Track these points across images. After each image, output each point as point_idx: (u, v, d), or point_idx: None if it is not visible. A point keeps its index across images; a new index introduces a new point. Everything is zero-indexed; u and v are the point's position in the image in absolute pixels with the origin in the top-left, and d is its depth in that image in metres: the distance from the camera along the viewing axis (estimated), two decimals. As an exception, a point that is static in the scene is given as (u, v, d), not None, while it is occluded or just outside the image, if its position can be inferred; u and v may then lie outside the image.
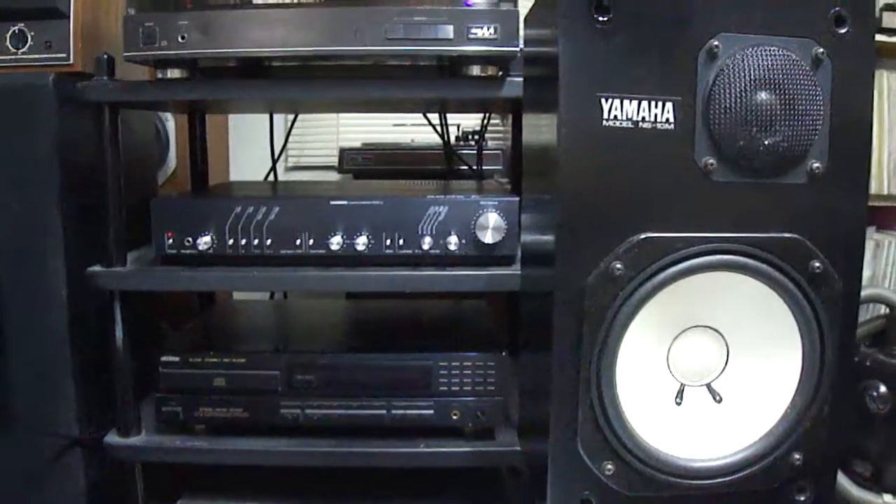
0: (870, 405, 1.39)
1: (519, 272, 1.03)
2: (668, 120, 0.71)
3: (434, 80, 1.05)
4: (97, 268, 1.07)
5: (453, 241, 1.03)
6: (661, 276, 0.71)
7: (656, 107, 0.70)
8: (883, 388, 1.39)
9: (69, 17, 1.10)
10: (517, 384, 1.08)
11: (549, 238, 0.74)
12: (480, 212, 1.04)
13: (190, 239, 1.04)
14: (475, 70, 1.03)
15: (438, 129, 1.50)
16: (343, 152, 1.60)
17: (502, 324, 1.32)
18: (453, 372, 1.07)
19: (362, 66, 1.12)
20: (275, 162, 1.48)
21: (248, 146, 1.71)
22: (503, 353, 1.08)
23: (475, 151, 1.54)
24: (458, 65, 1.03)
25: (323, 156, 1.84)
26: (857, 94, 0.73)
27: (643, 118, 0.70)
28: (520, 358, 1.04)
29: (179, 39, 0.99)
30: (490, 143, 1.64)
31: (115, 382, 1.09)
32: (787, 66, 0.71)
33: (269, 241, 1.05)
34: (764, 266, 0.72)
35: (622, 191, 0.72)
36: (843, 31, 0.72)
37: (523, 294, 1.00)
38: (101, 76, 1.04)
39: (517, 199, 1.04)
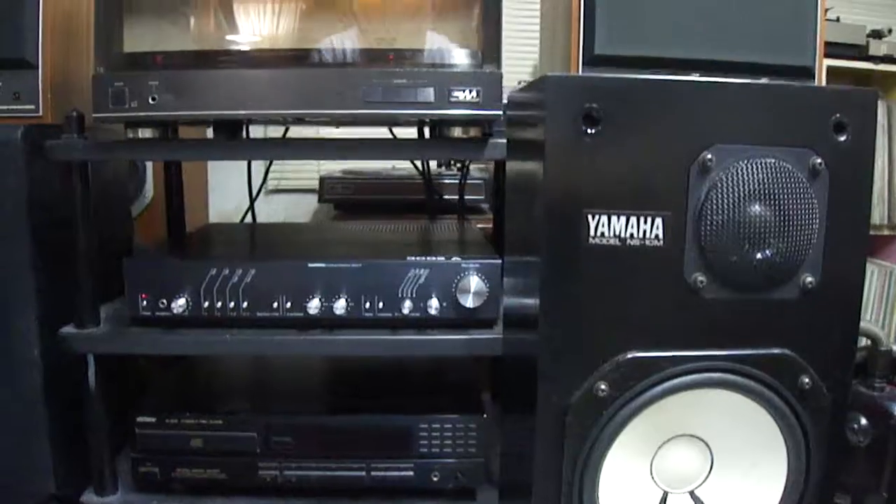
0: (850, 437, 1.39)
1: (500, 336, 1.01)
2: (657, 236, 0.68)
3: (414, 143, 1.01)
4: (70, 329, 1.04)
5: (434, 305, 1.01)
6: (647, 395, 0.69)
7: (645, 223, 0.68)
8: (864, 421, 1.39)
9: (38, 67, 1.06)
10: (500, 438, 1.07)
11: (533, 302, 0.72)
12: (462, 275, 1.02)
13: (164, 301, 1.02)
14: (457, 132, 1.00)
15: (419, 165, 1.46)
16: (323, 181, 1.56)
17: (485, 373, 1.30)
18: (434, 433, 1.06)
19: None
20: (252, 201, 1.44)
21: (228, 170, 1.67)
22: (484, 416, 1.06)
23: (457, 181, 1.51)
24: (440, 125, 1.00)
25: (304, 179, 1.80)
26: (854, 205, 0.70)
27: (631, 235, 0.68)
28: (502, 419, 1.02)
29: (150, 101, 0.96)
30: (473, 171, 1.60)
31: (90, 441, 1.07)
32: (783, 179, 0.68)
33: (245, 304, 1.02)
34: (752, 383, 0.71)
35: (607, 308, 0.69)
36: (842, 138, 0.69)
37: (506, 357, 0.98)
38: (71, 133, 1.00)
39: (499, 261, 1.02)
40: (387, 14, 0.97)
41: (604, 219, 0.67)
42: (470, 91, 0.95)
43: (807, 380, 0.71)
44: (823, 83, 1.13)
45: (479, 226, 1.54)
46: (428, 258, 1.02)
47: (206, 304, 1.02)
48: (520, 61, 1.96)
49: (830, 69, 1.65)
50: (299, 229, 1.45)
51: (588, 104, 0.65)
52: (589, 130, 0.66)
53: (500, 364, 1.03)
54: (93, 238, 1.03)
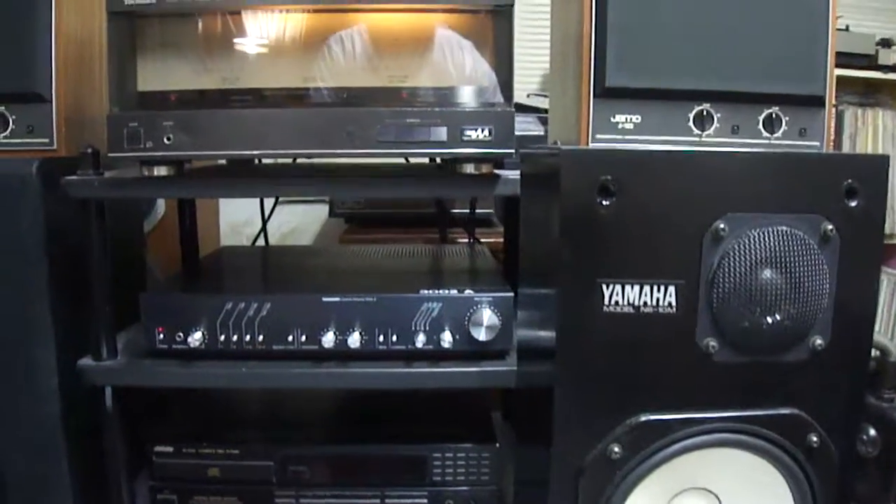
0: (860, 449, 1.41)
1: (512, 368, 1.03)
2: (670, 304, 0.69)
3: (426, 180, 1.02)
4: (88, 361, 1.06)
5: (447, 338, 1.02)
6: (659, 455, 0.71)
7: (658, 291, 0.69)
8: (873, 432, 1.40)
9: (52, 101, 1.06)
10: (513, 463, 1.08)
11: (548, 342, 0.73)
12: (474, 308, 1.03)
13: (181, 334, 1.03)
14: (469, 168, 1.00)
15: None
16: (334, 196, 1.57)
17: (496, 391, 1.32)
18: (447, 462, 1.08)
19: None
20: (265, 223, 1.45)
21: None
22: (497, 445, 1.08)
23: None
24: (452, 161, 1.01)
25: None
26: (863, 268, 0.72)
27: (645, 303, 0.69)
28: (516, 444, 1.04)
29: (165, 140, 0.96)
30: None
31: (108, 468, 1.09)
32: (795, 246, 0.69)
33: (260, 337, 1.04)
34: (761, 442, 0.72)
35: (621, 373, 0.71)
36: (853, 203, 0.70)
37: (520, 388, 1.00)
38: (87, 170, 1.02)
39: (511, 294, 1.03)
40: (399, 53, 0.98)
41: (618, 288, 0.68)
42: (482, 130, 0.96)
43: (815, 438, 0.73)
44: (833, 103, 1.12)
45: (489, 240, 1.56)
46: (441, 292, 1.03)
47: (222, 337, 1.03)
48: (528, 73, 1.95)
49: (840, 78, 1.65)
50: (311, 254, 1.46)
51: (603, 176, 0.66)
52: (604, 202, 0.67)
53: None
54: (109, 272, 1.04)
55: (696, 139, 1.04)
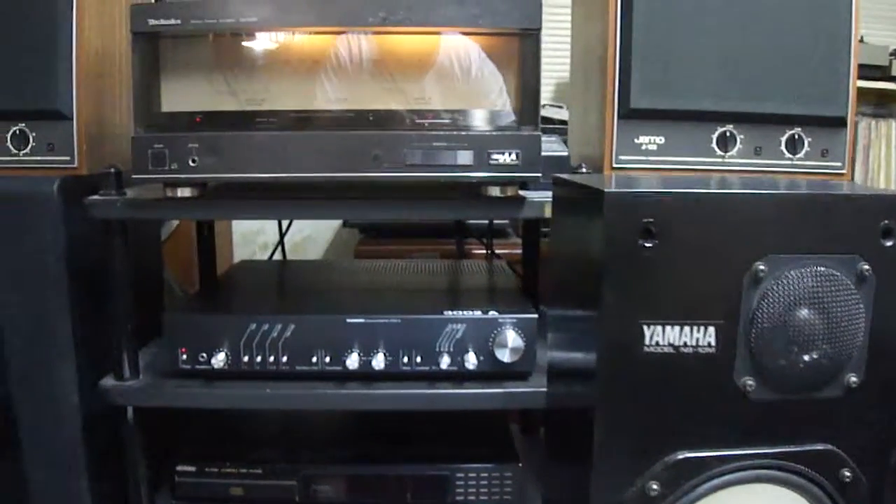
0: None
1: (536, 389, 1.03)
2: (709, 343, 0.70)
3: (452, 202, 1.02)
4: (110, 381, 1.06)
5: (471, 360, 1.03)
6: (696, 492, 0.71)
7: (698, 331, 0.69)
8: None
9: (73, 118, 1.06)
10: (534, 486, 1.09)
11: (583, 359, 0.73)
12: (499, 330, 1.03)
13: (204, 355, 1.03)
14: (495, 191, 1.00)
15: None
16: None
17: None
18: (470, 482, 1.09)
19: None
20: (282, 237, 1.45)
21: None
22: (519, 465, 1.09)
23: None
24: (477, 184, 1.01)
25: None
26: (897, 305, 0.72)
27: (685, 343, 0.69)
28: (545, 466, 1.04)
29: (190, 163, 0.96)
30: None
31: (129, 485, 1.09)
32: (831, 286, 0.70)
33: (284, 358, 1.04)
34: (795, 478, 0.73)
35: (659, 411, 0.71)
36: (889, 243, 0.70)
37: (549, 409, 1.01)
38: (110, 190, 1.01)
39: (535, 316, 1.04)
40: (425, 75, 0.97)
41: (658, 329, 0.69)
42: (509, 154, 0.96)
43: (847, 472, 0.73)
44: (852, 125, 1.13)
45: (505, 251, 1.56)
46: (465, 313, 1.04)
47: (246, 358, 1.03)
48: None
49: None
50: (331, 270, 1.45)
51: (645, 219, 0.66)
52: (646, 244, 0.67)
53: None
54: (131, 292, 1.04)
55: (719, 160, 1.04)
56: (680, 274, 0.69)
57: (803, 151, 1.08)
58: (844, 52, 1.08)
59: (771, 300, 0.70)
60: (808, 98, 1.07)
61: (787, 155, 1.08)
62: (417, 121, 0.97)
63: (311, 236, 1.97)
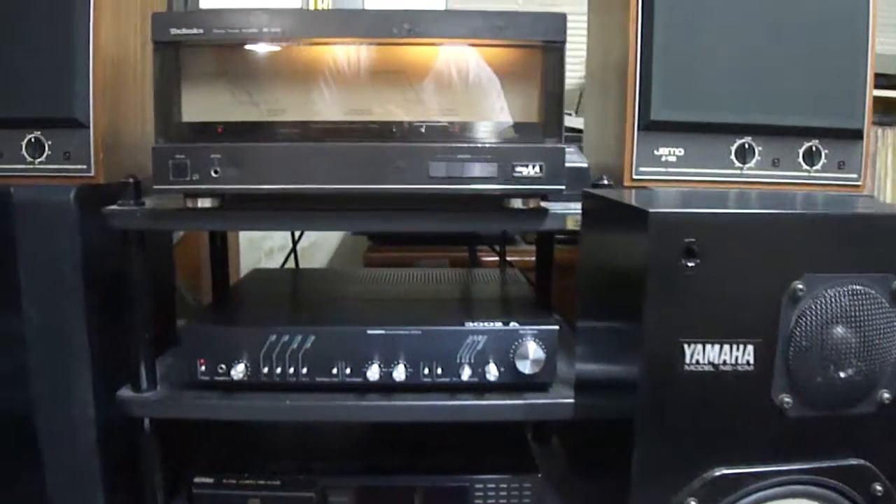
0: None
1: (557, 400, 1.03)
2: (748, 362, 0.70)
3: (474, 214, 1.01)
4: (127, 392, 1.05)
5: (492, 371, 1.02)
6: (733, 508, 0.72)
7: (737, 350, 0.70)
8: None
9: (89, 127, 1.05)
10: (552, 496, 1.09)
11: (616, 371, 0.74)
12: (520, 341, 1.03)
13: (223, 366, 1.02)
14: (517, 203, 1.00)
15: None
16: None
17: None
18: (489, 493, 1.08)
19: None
20: (295, 245, 1.44)
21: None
22: (539, 475, 1.09)
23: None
24: (499, 197, 1.01)
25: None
26: (931, 322, 0.72)
27: (724, 361, 0.70)
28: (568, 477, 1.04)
29: (212, 174, 0.95)
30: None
31: (145, 495, 1.09)
32: (867, 304, 0.70)
33: (304, 370, 1.03)
34: (829, 493, 0.74)
35: (698, 429, 0.71)
36: (922, 262, 0.71)
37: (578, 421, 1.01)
38: (128, 200, 1.00)
39: (556, 328, 1.03)
40: (448, 87, 0.97)
41: (699, 347, 0.69)
42: (533, 166, 0.96)
43: (879, 487, 0.74)
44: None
45: (514, 258, 1.56)
46: (486, 325, 1.04)
47: (265, 369, 1.03)
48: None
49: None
50: (345, 280, 1.44)
51: (688, 239, 0.66)
52: (688, 264, 0.67)
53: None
54: (149, 302, 1.03)
55: (738, 172, 1.05)
56: (720, 293, 0.69)
57: (820, 163, 1.09)
58: (862, 65, 1.09)
59: (809, 319, 0.70)
60: (826, 111, 1.08)
61: (805, 167, 1.09)
62: (440, 133, 0.97)
63: (317, 242, 1.96)
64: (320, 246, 1.96)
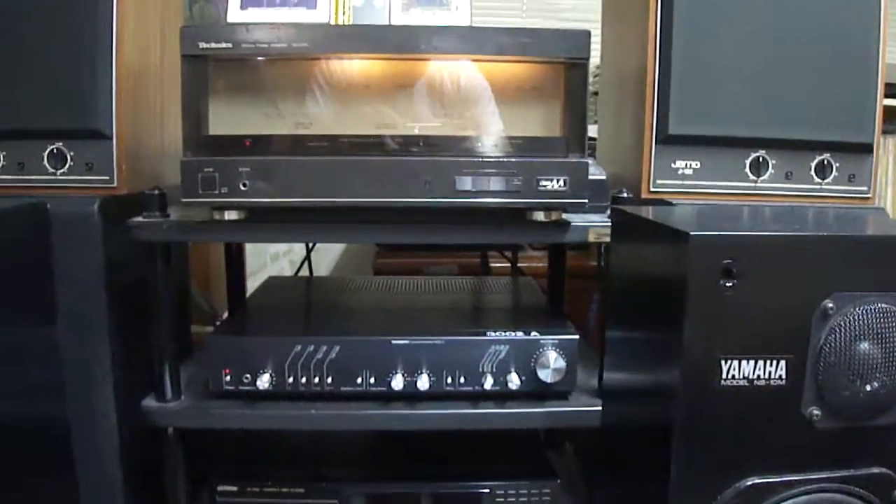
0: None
1: (577, 408, 1.06)
2: (780, 377, 0.73)
3: (496, 227, 1.03)
4: (152, 402, 1.06)
5: (513, 380, 1.04)
6: (764, 516, 0.74)
7: (771, 365, 0.72)
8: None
9: (112, 138, 1.05)
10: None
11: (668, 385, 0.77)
12: (541, 350, 1.05)
13: (248, 376, 1.04)
14: (539, 216, 1.02)
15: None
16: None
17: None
18: (509, 499, 1.11)
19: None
20: (309, 253, 1.45)
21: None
22: (557, 480, 1.11)
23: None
24: (523, 209, 1.02)
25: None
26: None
27: (758, 376, 0.73)
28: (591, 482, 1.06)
29: (241, 187, 0.96)
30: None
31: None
32: (892, 321, 0.73)
33: (329, 379, 1.05)
34: (853, 500, 0.77)
35: (731, 440, 0.74)
36: (944, 281, 0.74)
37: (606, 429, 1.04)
38: (153, 212, 1.01)
39: (576, 337, 1.06)
40: (474, 101, 0.99)
41: (735, 363, 0.72)
42: (557, 180, 0.98)
43: (898, 494, 0.77)
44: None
45: (523, 264, 1.58)
46: (507, 334, 1.06)
47: (290, 379, 1.04)
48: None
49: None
50: (361, 288, 1.45)
51: (726, 260, 0.69)
52: (727, 284, 0.69)
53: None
54: (173, 315, 1.04)
55: (752, 185, 1.08)
56: (755, 311, 0.72)
57: (832, 176, 1.12)
58: (872, 80, 1.12)
59: (837, 335, 0.73)
60: (837, 125, 1.11)
61: (817, 180, 1.12)
62: (465, 147, 0.99)
63: (322, 246, 1.97)
64: (328, 250, 1.97)
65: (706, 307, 0.71)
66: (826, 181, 1.12)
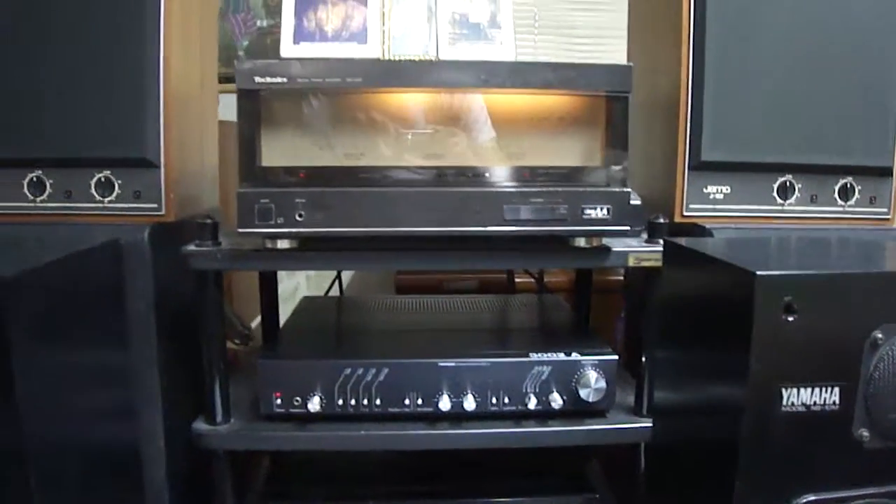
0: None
1: (616, 426, 1.10)
2: (834, 402, 0.78)
3: (539, 253, 1.07)
4: (203, 425, 1.08)
5: (556, 400, 1.08)
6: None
7: (826, 392, 0.77)
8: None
9: (160, 167, 1.07)
10: None
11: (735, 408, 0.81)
12: (581, 371, 1.09)
13: (299, 399, 1.06)
14: (581, 242, 1.06)
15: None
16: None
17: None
18: (548, 515, 1.14)
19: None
20: (339, 275, 1.47)
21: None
22: (596, 496, 1.15)
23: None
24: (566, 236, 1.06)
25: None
26: None
27: (815, 402, 0.77)
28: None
29: (297, 217, 0.99)
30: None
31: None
32: (935, 350, 0.78)
33: (378, 401, 1.08)
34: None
35: (789, 461, 0.79)
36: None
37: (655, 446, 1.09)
38: (206, 241, 1.03)
39: (615, 357, 1.10)
40: (521, 133, 1.02)
41: (794, 391, 0.76)
42: (601, 209, 1.02)
43: (940, 508, 0.82)
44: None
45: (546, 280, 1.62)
46: (549, 356, 1.09)
47: (340, 401, 1.07)
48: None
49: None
50: (395, 308, 1.48)
51: (787, 297, 0.73)
52: (789, 319, 0.74)
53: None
54: (223, 341, 1.06)
55: (779, 208, 1.12)
56: (812, 343, 0.77)
57: (854, 199, 1.17)
58: (891, 106, 1.17)
59: (886, 363, 0.78)
60: (860, 149, 1.16)
61: (840, 202, 1.17)
62: (512, 177, 1.02)
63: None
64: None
65: (768, 339, 0.75)
66: (849, 203, 1.17)
